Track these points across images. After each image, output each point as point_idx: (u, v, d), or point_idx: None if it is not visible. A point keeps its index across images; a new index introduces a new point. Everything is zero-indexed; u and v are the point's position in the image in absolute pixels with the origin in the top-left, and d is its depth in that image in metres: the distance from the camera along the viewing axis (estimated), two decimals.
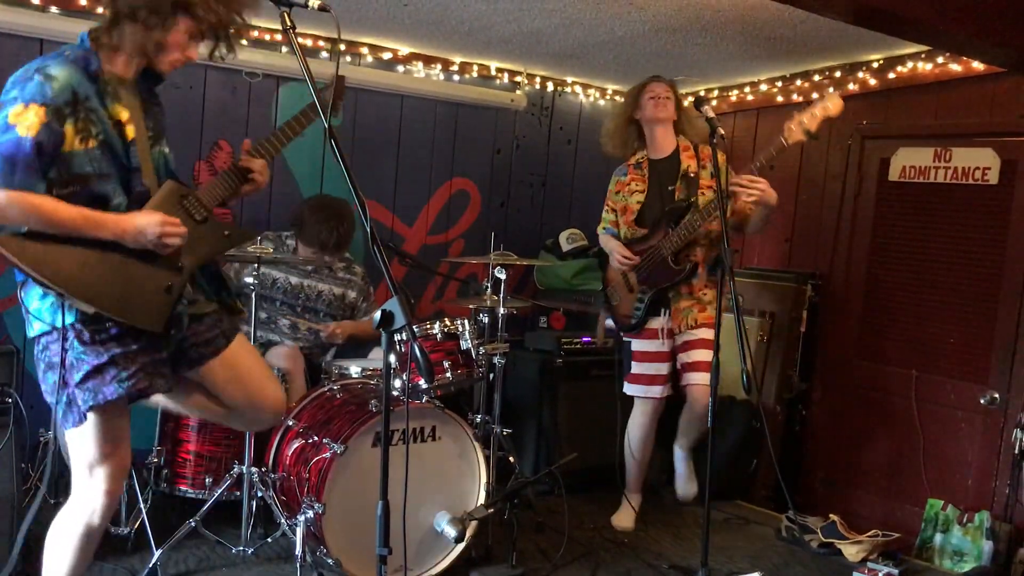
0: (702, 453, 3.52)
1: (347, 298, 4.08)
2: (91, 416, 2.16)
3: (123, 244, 2.15)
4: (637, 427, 3.86)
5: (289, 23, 2.02)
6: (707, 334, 3.62)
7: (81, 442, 2.20)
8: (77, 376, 2.14)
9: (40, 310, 2.16)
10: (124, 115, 2.18)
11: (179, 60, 2.23)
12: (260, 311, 3.89)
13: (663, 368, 3.74)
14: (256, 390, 2.55)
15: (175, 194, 2.29)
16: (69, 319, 2.13)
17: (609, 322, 4.02)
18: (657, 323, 3.72)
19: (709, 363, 3.49)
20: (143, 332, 2.20)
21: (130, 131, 2.19)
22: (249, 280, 3.33)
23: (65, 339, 2.13)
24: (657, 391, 3.76)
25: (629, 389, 3.83)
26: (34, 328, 2.19)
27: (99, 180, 2.14)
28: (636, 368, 3.79)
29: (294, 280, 3.96)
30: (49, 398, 2.19)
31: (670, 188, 3.72)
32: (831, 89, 3.33)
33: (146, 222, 2.16)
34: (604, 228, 3.93)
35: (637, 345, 3.78)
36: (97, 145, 2.12)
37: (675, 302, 3.69)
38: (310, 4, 2.02)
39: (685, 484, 3.96)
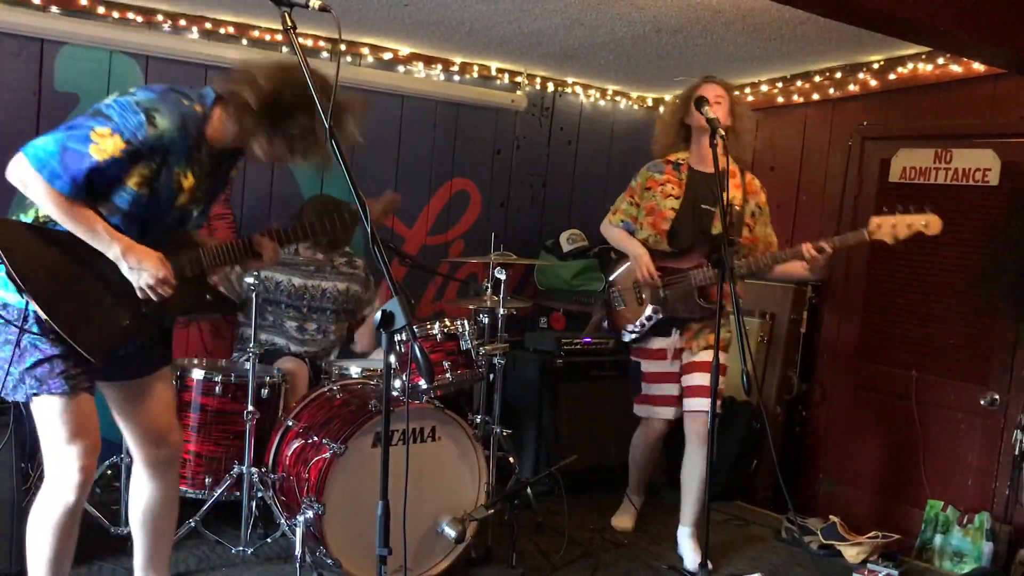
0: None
1: (351, 291, 4.07)
2: (57, 398, 2.19)
3: (106, 268, 2.20)
4: (642, 443, 3.80)
5: (290, 23, 2.01)
6: (709, 356, 3.27)
7: (50, 422, 2.22)
8: (28, 361, 2.17)
9: (6, 281, 2.17)
10: (189, 181, 2.27)
11: (274, 158, 2.34)
12: (266, 314, 3.89)
13: (674, 389, 3.59)
14: (155, 424, 2.52)
15: (178, 245, 2.35)
16: (31, 308, 2.16)
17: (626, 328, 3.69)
18: (665, 343, 3.57)
19: (708, 388, 3.29)
20: None
21: (184, 198, 2.28)
22: (249, 280, 3.32)
23: (25, 320, 2.16)
24: (670, 413, 3.61)
25: (639, 411, 3.72)
26: None
27: (125, 217, 2.22)
28: (647, 389, 3.65)
29: (297, 282, 3.95)
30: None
31: (704, 207, 3.48)
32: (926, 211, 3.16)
33: (150, 265, 2.22)
34: (621, 221, 3.63)
35: (647, 366, 3.63)
36: (150, 193, 2.20)
37: (688, 325, 3.53)
38: (311, 4, 2.00)
39: (693, 557, 3.51)
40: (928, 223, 3.13)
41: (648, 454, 3.81)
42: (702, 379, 3.46)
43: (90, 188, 2.13)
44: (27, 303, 2.14)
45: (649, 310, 3.53)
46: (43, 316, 2.13)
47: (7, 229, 2.17)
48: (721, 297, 2.97)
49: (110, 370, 2.39)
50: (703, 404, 3.43)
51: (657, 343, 3.58)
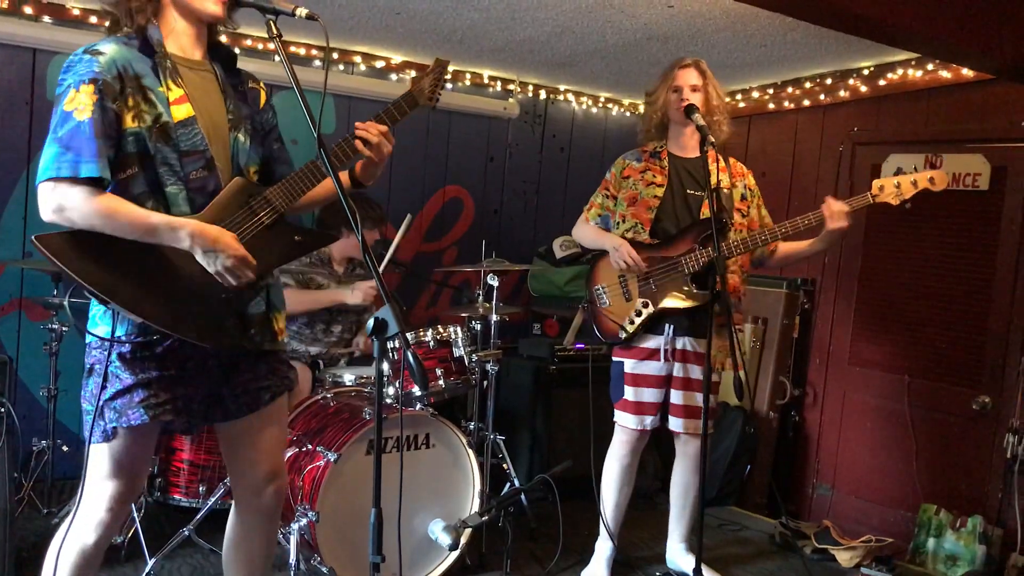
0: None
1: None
2: (120, 432, 2.05)
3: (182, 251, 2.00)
4: (617, 461, 3.36)
5: (275, 31, 2.01)
6: (715, 377, 3.23)
7: (99, 454, 2.08)
8: (108, 391, 2.03)
9: (95, 315, 2.07)
10: (176, 93, 2.03)
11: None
12: (301, 317, 3.91)
13: (659, 395, 3.28)
14: (254, 469, 2.29)
15: (242, 193, 2.09)
16: (120, 331, 2.02)
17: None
18: (659, 341, 3.23)
19: (710, 408, 3.17)
20: (188, 360, 2.08)
21: (180, 111, 2.03)
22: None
23: (110, 350, 2.02)
24: (649, 422, 3.28)
25: (622, 419, 3.32)
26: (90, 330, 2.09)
27: (150, 162, 2.01)
28: (630, 394, 3.28)
29: (334, 286, 3.98)
30: (83, 404, 2.09)
31: (690, 192, 3.24)
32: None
33: (226, 243, 2.00)
34: (598, 216, 3.36)
35: (632, 367, 3.27)
36: (147, 126, 2.00)
37: (718, 335, 3.12)
38: (297, 13, 2.00)
39: (691, 563, 3.16)
40: (935, 178, 3.05)
41: (628, 475, 3.37)
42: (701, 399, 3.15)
43: (112, 164, 1.96)
44: (112, 326, 2.01)
45: (639, 303, 3.21)
46: (137, 320, 1.97)
47: (60, 245, 1.93)
48: (726, 288, 2.81)
49: (215, 409, 2.20)
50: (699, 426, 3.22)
51: (650, 341, 3.24)
